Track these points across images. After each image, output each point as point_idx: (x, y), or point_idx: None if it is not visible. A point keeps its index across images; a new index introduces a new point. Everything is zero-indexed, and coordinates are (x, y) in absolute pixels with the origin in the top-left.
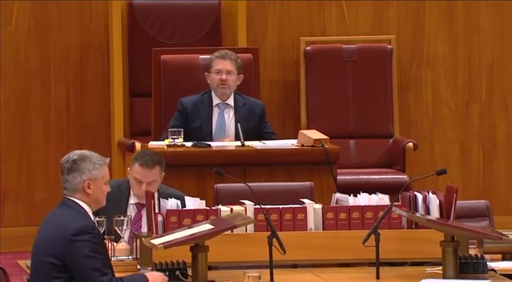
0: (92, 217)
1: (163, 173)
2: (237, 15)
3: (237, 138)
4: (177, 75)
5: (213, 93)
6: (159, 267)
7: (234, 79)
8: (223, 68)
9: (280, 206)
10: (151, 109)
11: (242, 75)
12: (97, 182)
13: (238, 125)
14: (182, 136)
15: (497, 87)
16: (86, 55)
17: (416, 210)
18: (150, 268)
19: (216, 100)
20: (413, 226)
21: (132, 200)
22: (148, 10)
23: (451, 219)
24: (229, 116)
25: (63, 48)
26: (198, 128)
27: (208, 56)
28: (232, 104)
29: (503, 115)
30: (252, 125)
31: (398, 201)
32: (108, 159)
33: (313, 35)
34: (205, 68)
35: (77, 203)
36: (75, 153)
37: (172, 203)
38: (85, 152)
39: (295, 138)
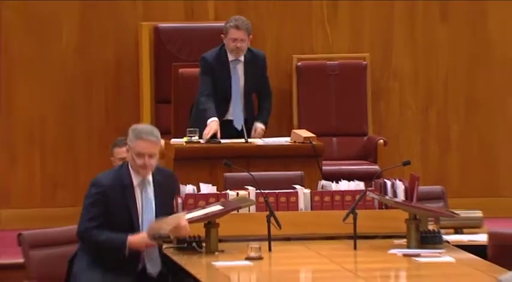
0: (134, 180)
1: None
2: None
3: (242, 136)
4: (192, 85)
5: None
6: (179, 241)
7: (246, 44)
8: (237, 37)
9: (277, 191)
10: (172, 113)
11: (251, 35)
12: (130, 151)
13: (243, 125)
14: (198, 135)
15: (451, 95)
16: (121, 69)
17: (386, 194)
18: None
19: (230, 57)
20: (383, 207)
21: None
22: (171, 32)
23: (414, 201)
24: (241, 70)
25: (103, 63)
26: (220, 81)
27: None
28: (242, 60)
29: (456, 118)
30: (257, 75)
31: (372, 187)
32: (150, 136)
33: (303, 53)
34: (223, 31)
35: (128, 164)
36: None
37: (189, 189)
38: (139, 125)
39: (289, 136)
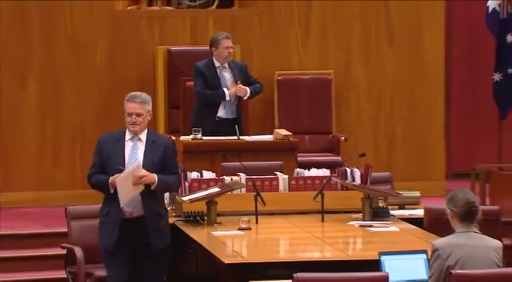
0: (126, 135)
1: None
2: (235, 56)
3: (235, 133)
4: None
5: (214, 59)
6: (187, 215)
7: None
8: (229, 45)
9: (262, 177)
10: (181, 116)
11: None
12: (125, 112)
13: (236, 126)
14: (201, 133)
15: (396, 103)
16: (142, 82)
17: (346, 178)
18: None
19: (217, 63)
20: (344, 189)
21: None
22: (181, 54)
23: (368, 184)
24: (228, 74)
25: (127, 78)
26: (210, 83)
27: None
28: (227, 66)
29: (400, 120)
30: (242, 78)
31: (335, 173)
32: (136, 99)
33: (282, 70)
34: (213, 45)
35: None
36: None
37: (194, 175)
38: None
39: (271, 134)
